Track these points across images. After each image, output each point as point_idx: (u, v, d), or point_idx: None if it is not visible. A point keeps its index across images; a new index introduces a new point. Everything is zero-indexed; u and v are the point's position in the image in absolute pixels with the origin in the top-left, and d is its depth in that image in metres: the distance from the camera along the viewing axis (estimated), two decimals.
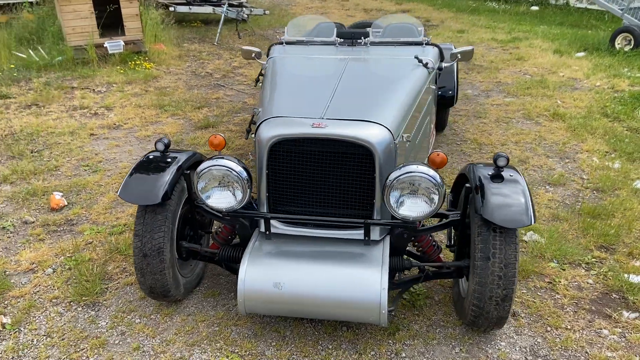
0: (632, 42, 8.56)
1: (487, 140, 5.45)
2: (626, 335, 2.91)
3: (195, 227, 3.18)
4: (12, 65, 7.61)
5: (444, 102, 5.10)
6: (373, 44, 4.20)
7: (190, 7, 10.18)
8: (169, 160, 2.90)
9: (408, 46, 4.19)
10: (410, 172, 2.49)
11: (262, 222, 2.84)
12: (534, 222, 2.51)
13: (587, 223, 3.90)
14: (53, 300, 3.20)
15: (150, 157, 2.95)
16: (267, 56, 4.25)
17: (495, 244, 2.55)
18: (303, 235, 2.85)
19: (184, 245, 3.02)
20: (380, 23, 4.62)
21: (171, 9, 9.86)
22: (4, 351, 2.82)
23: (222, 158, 2.67)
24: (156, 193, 2.72)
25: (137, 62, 7.94)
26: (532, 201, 2.57)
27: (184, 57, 8.74)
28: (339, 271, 2.61)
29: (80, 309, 3.13)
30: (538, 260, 3.51)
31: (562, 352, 2.79)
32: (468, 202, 2.79)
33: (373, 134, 2.65)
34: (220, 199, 2.71)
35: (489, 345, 2.83)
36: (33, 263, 3.54)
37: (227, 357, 2.76)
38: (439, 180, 2.49)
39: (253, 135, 2.99)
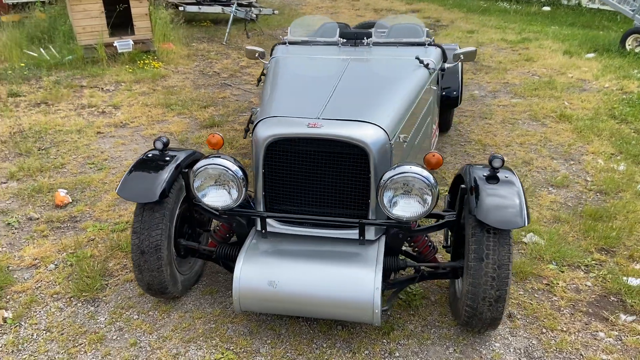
0: None
1: (492, 142, 5.43)
2: (622, 338, 2.89)
3: (193, 225, 3.22)
4: (22, 64, 7.72)
5: (448, 102, 5.08)
6: (376, 44, 4.20)
7: (200, 6, 10.25)
8: (168, 158, 2.94)
9: (410, 47, 4.19)
10: (404, 172, 2.50)
11: (258, 220, 2.86)
12: (528, 223, 2.50)
13: (588, 225, 3.87)
14: (54, 296, 3.25)
15: (149, 155, 2.99)
16: (270, 56, 4.28)
17: (489, 245, 2.55)
18: (299, 234, 2.87)
19: (182, 242, 3.06)
20: (384, 23, 4.63)
21: (181, 8, 9.94)
22: (5, 345, 2.87)
23: (219, 157, 2.70)
24: (154, 191, 2.76)
25: (145, 61, 8.02)
26: (526, 203, 2.57)
27: (192, 56, 8.80)
28: (333, 270, 2.63)
29: (80, 304, 3.18)
30: (537, 262, 3.50)
31: (557, 354, 2.78)
32: (463, 203, 2.79)
33: (368, 134, 2.66)
34: (216, 198, 2.74)
35: (483, 346, 2.83)
36: (36, 259, 3.60)
37: (222, 354, 2.79)
38: (432, 180, 2.50)
39: (251, 135, 3.02)
